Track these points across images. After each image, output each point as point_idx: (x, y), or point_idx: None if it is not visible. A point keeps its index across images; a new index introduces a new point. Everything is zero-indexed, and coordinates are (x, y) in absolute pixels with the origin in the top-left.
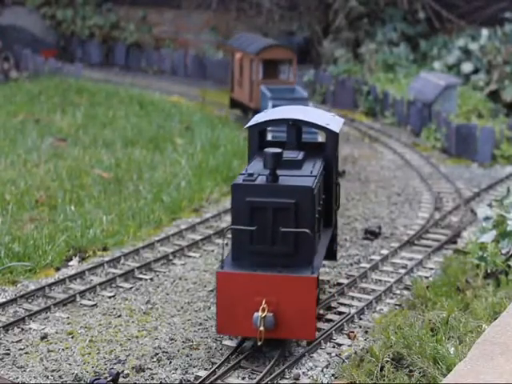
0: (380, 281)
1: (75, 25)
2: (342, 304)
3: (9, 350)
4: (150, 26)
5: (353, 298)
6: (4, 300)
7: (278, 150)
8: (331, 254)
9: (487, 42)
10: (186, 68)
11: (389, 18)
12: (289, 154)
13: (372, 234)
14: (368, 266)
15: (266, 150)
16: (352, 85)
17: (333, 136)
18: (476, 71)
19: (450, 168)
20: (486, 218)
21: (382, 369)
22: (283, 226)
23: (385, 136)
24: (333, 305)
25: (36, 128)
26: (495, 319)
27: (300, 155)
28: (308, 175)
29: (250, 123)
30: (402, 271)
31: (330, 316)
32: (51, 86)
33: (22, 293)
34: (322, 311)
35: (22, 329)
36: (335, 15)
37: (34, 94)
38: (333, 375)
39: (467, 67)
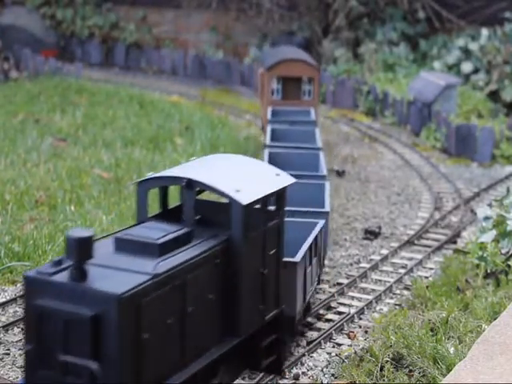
0: (380, 281)
1: (75, 25)
2: (341, 304)
3: (9, 350)
4: (149, 26)
5: (353, 297)
6: (4, 300)
7: (86, 234)
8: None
9: (487, 42)
10: (185, 68)
11: (389, 18)
12: (150, 234)
13: (372, 234)
14: (368, 265)
15: (69, 232)
16: (352, 85)
17: (238, 209)
18: (476, 71)
19: (449, 168)
20: (486, 218)
21: (381, 369)
22: (74, 349)
23: (385, 136)
24: (333, 305)
25: (36, 128)
26: (495, 319)
27: (171, 235)
28: (142, 272)
29: (140, 179)
30: (402, 271)
31: (329, 316)
32: (51, 85)
33: (21, 293)
34: (321, 311)
35: (22, 329)
36: (335, 15)
37: (33, 94)
38: (333, 375)
39: (467, 67)
